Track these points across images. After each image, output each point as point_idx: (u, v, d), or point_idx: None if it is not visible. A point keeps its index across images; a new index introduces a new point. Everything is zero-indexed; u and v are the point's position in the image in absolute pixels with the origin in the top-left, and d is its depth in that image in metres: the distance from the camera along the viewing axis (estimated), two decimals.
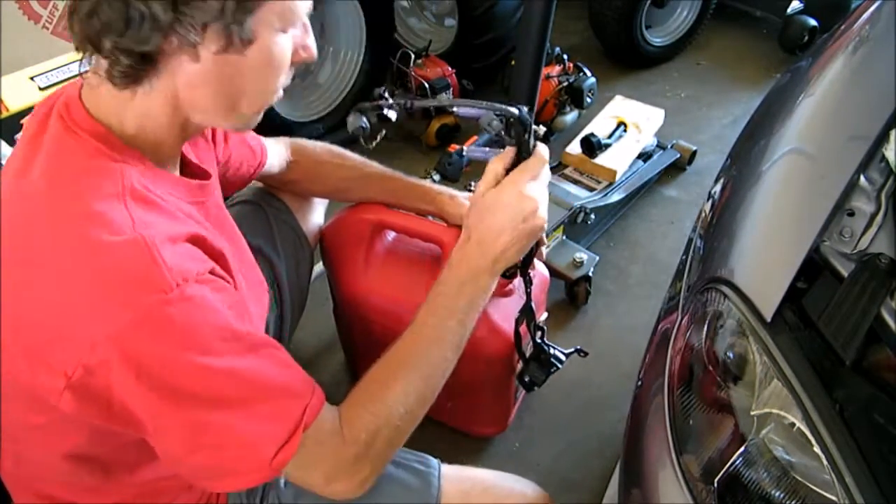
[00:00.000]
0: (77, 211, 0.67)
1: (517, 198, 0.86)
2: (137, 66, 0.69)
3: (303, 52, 0.78)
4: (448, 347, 0.87)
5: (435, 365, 0.86)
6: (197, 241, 0.73)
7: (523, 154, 0.88)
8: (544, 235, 0.91)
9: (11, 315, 0.68)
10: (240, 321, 0.72)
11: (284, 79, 0.78)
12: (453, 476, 0.98)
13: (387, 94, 0.92)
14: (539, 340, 1.13)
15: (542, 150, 0.89)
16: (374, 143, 0.96)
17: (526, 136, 0.86)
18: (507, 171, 0.88)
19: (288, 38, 0.75)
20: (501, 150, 0.90)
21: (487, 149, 0.91)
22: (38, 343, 0.67)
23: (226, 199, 1.03)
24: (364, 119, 0.90)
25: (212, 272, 0.72)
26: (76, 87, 0.76)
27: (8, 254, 0.69)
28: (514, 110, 0.85)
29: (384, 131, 0.97)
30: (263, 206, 1.27)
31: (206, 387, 0.68)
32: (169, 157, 0.80)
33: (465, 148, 1.00)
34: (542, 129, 0.89)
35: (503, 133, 0.87)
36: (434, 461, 0.99)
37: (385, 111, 0.90)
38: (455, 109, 0.94)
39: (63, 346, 0.65)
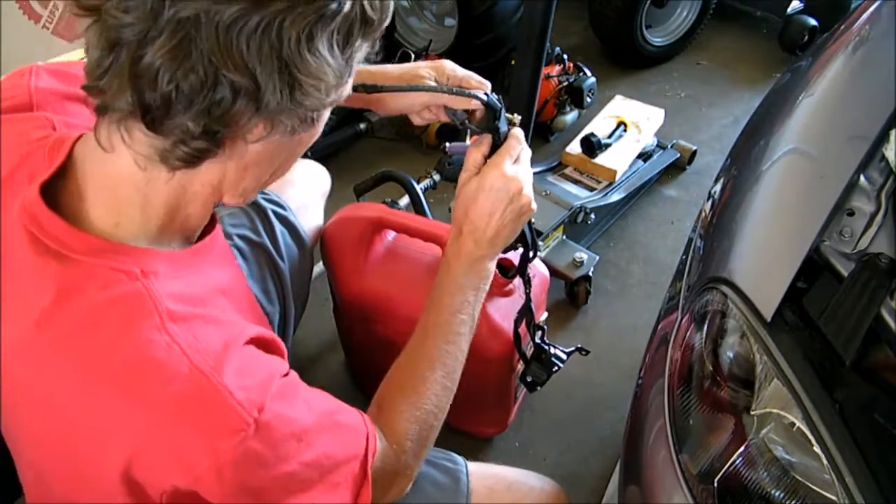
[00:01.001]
0: (122, 366, 0.60)
1: (501, 180, 0.85)
2: (209, 147, 0.58)
3: None
4: (463, 340, 0.89)
5: (455, 358, 0.88)
6: (253, 342, 0.66)
7: (498, 139, 0.87)
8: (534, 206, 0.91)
9: (89, 473, 0.65)
10: (306, 410, 0.68)
11: None
12: (479, 473, 0.99)
13: None
14: (539, 340, 1.13)
15: (517, 132, 0.89)
16: None
17: (497, 121, 0.86)
18: (486, 158, 0.88)
19: None
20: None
21: (468, 142, 0.91)
22: (121, 489, 0.63)
23: None
24: None
25: (283, 375, 0.66)
26: (34, 191, 0.62)
27: (61, 417, 0.63)
28: (483, 96, 0.85)
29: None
30: (264, 205, 1.27)
31: (289, 485, 0.66)
32: (197, 228, 0.72)
33: (447, 145, 0.99)
34: (517, 117, 0.89)
35: (468, 121, 0.87)
36: (460, 459, 1.00)
37: None
38: None
39: (145, 491, 0.62)
